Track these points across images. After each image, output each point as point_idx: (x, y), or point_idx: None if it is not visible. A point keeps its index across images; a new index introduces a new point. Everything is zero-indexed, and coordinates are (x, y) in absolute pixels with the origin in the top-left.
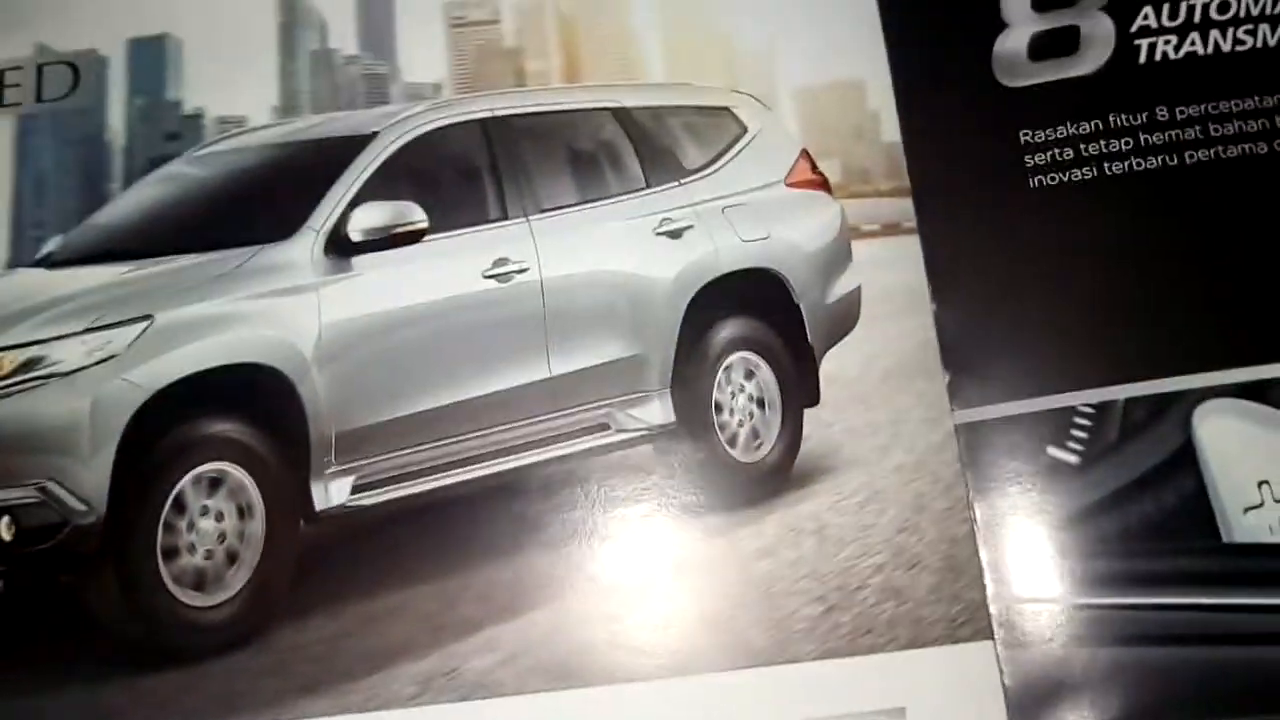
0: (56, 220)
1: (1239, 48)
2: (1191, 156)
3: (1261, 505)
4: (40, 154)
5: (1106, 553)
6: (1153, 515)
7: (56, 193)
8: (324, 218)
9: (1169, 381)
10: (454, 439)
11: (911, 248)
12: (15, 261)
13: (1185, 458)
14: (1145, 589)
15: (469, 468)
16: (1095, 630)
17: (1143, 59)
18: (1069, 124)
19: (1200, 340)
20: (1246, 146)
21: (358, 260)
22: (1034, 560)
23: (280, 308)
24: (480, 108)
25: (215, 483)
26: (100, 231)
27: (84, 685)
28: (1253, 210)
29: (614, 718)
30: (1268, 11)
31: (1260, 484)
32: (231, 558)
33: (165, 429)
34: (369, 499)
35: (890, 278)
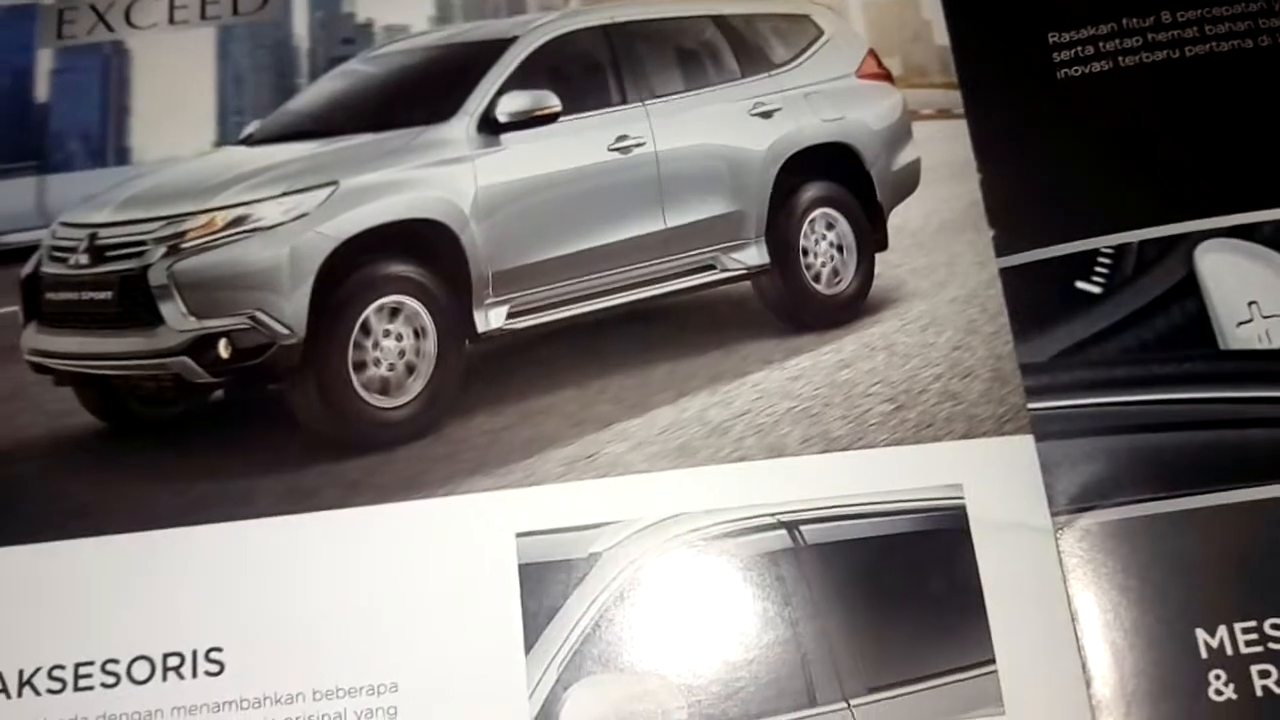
0: (253, 109)
1: None
2: (1190, 51)
3: (1251, 320)
4: (238, 57)
5: (1125, 361)
6: (1163, 331)
7: (253, 87)
8: (477, 103)
9: (1175, 226)
10: (588, 276)
11: (960, 129)
12: (221, 141)
13: (1188, 285)
14: (1157, 388)
15: (601, 299)
16: (1115, 422)
17: None
18: (1089, 26)
19: (1200, 193)
20: (1235, 42)
21: (505, 137)
22: (1065, 369)
23: (443, 174)
24: (602, 16)
25: (395, 311)
26: (291, 116)
27: (289, 470)
28: (1240, 93)
29: (722, 489)
30: None
31: (1250, 304)
32: (410, 369)
33: (352, 270)
34: (521, 323)
35: (943, 152)
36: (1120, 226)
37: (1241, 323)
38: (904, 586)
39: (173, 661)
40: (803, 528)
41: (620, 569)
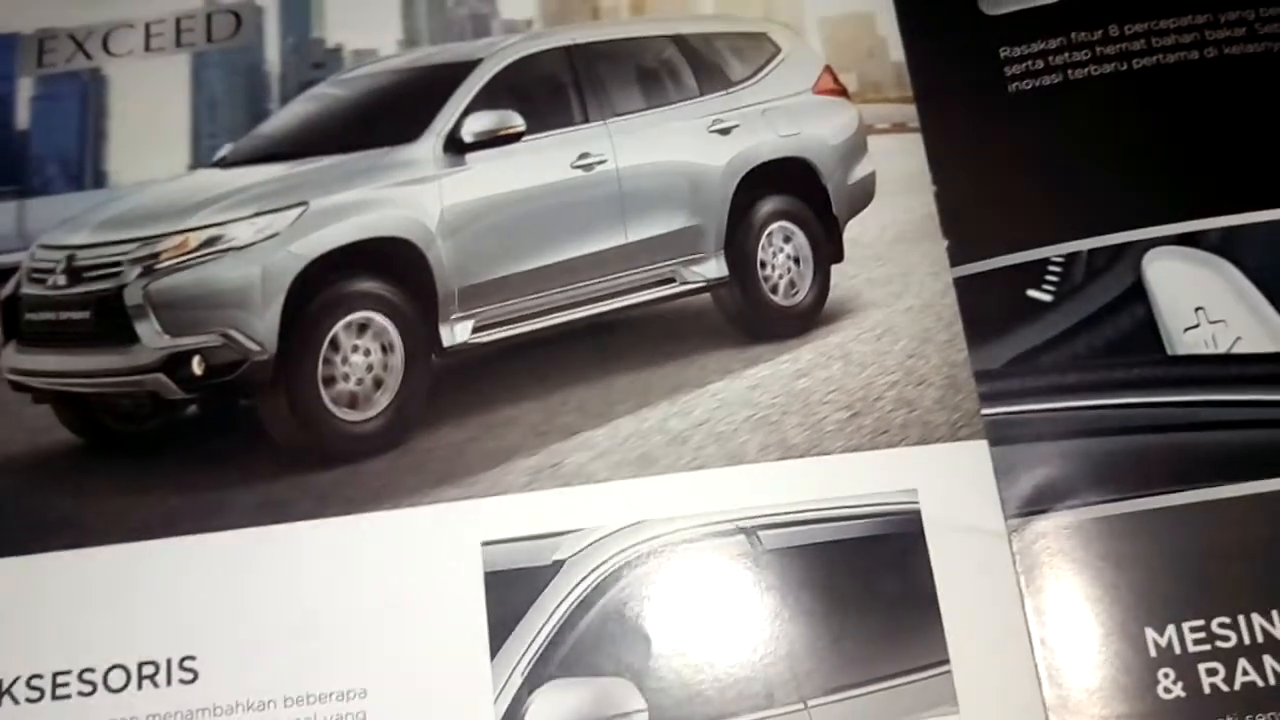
0: (227, 132)
1: None
2: (1138, 63)
3: (1198, 326)
4: (212, 83)
5: (1076, 367)
6: (1112, 337)
7: (226, 111)
8: (443, 124)
9: (1123, 235)
10: (552, 291)
11: (915, 142)
12: (195, 164)
13: (1137, 292)
14: (1107, 393)
15: (564, 313)
16: (1066, 427)
17: None
18: (1039, 41)
19: (1147, 202)
20: (1182, 54)
21: (470, 156)
22: (1018, 375)
23: (410, 194)
24: (564, 37)
25: (363, 327)
26: (263, 139)
27: (261, 483)
28: (1186, 104)
29: (683, 497)
30: None
31: (1196, 309)
32: (378, 383)
33: (322, 287)
34: (486, 337)
35: (899, 165)
36: (1070, 236)
37: (1188, 328)
38: (860, 589)
39: (148, 670)
40: (761, 533)
41: (583, 575)
